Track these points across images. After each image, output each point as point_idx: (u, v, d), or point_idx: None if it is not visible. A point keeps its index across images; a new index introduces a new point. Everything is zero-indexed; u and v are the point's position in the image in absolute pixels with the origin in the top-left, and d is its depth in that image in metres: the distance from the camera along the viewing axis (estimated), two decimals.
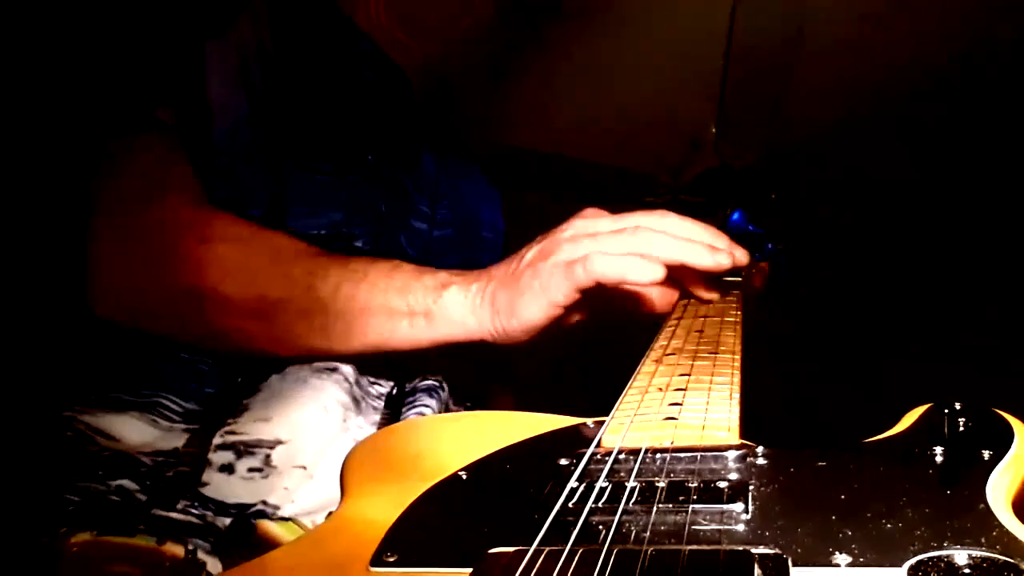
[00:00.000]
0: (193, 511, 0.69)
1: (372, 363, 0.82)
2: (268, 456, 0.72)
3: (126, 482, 0.70)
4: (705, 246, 0.71)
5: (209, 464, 0.71)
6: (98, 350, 0.78)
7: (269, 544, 0.69)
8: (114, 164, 0.79)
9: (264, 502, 0.71)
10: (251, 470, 0.72)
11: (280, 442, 0.73)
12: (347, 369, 0.79)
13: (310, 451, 0.73)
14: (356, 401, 0.79)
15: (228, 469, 0.72)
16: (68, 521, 0.66)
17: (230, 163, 0.82)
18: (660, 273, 0.67)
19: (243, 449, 0.72)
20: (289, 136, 0.86)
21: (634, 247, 0.68)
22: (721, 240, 0.74)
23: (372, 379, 0.84)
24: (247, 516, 0.70)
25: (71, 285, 0.75)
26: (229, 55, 0.84)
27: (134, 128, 0.80)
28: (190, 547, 0.67)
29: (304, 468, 0.73)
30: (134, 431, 0.73)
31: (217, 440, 0.72)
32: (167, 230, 0.75)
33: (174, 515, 0.69)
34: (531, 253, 0.72)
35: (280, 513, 0.71)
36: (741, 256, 0.74)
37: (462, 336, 0.73)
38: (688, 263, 0.71)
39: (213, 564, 0.67)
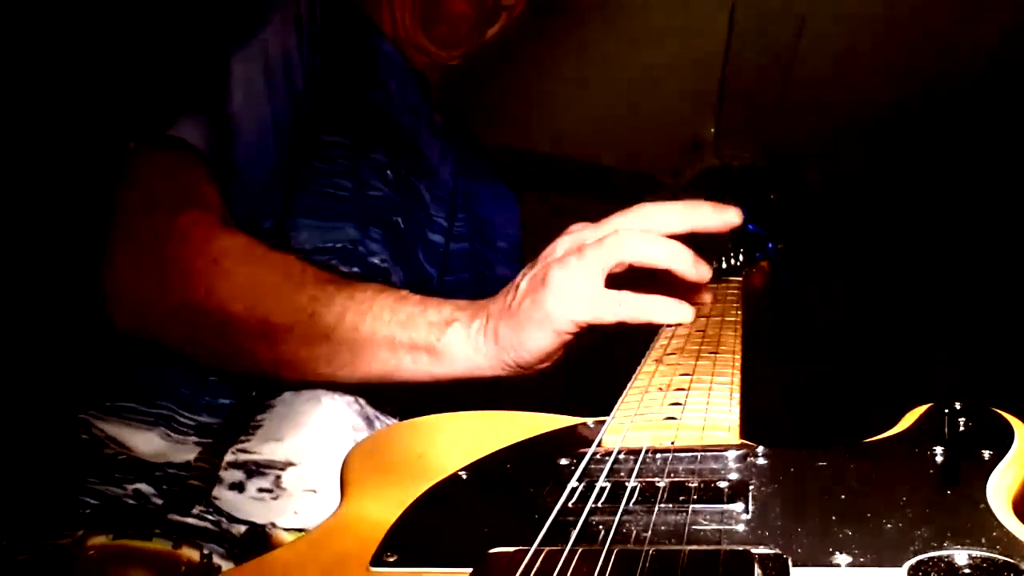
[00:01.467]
0: (208, 516, 0.70)
1: (387, 396, 0.82)
2: (279, 478, 0.73)
3: (143, 486, 0.71)
4: (688, 254, 0.68)
5: (220, 481, 0.71)
6: (111, 358, 0.78)
7: None
8: (136, 177, 0.79)
9: (273, 524, 0.71)
10: (261, 490, 0.72)
11: (291, 464, 0.73)
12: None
13: (322, 474, 0.73)
14: (370, 420, 0.79)
15: (238, 487, 0.72)
16: (85, 524, 0.67)
17: (248, 175, 0.82)
18: (690, 315, 0.69)
19: (254, 469, 0.73)
20: (307, 149, 0.86)
21: (623, 253, 0.66)
22: (711, 211, 0.69)
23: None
24: (261, 526, 0.70)
25: (88, 294, 0.75)
26: (253, 66, 0.83)
27: (158, 143, 0.79)
28: (205, 551, 0.67)
29: (315, 492, 0.73)
30: (145, 443, 0.73)
31: (229, 457, 0.73)
32: (181, 245, 0.74)
33: (190, 520, 0.69)
34: (524, 282, 0.70)
35: (293, 528, 0.71)
36: (705, 271, 0.70)
37: (467, 373, 0.72)
38: (672, 270, 0.68)
39: (228, 569, 0.67)
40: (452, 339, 0.71)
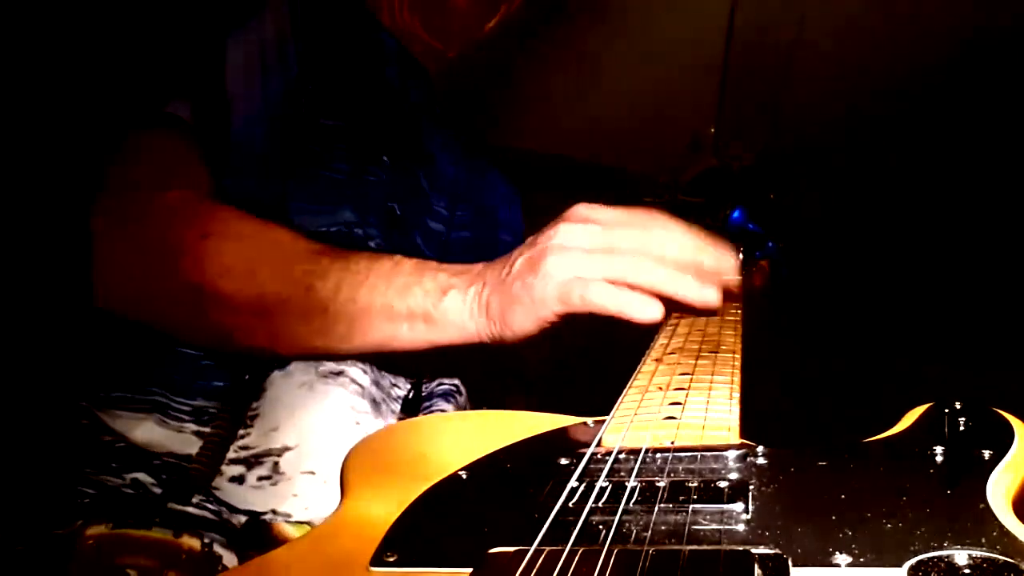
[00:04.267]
0: (208, 506, 0.70)
1: (392, 362, 0.82)
2: (276, 463, 0.73)
3: (141, 475, 0.70)
4: (694, 282, 0.67)
5: (220, 475, 0.71)
6: (103, 347, 0.77)
7: (284, 543, 0.69)
8: (124, 155, 0.78)
9: (274, 511, 0.71)
10: (260, 479, 0.72)
11: (287, 448, 0.73)
12: (355, 372, 0.78)
13: (319, 455, 0.73)
14: (376, 403, 0.79)
15: (238, 480, 0.72)
16: (83, 514, 0.66)
17: (242, 157, 0.81)
18: (660, 313, 0.64)
19: (253, 461, 0.73)
20: (304, 133, 0.85)
21: (629, 276, 0.65)
22: (713, 255, 0.68)
23: (393, 380, 0.83)
24: (262, 521, 0.70)
25: (78, 279, 0.75)
26: (249, 47, 0.83)
27: (147, 121, 0.79)
28: (206, 540, 0.67)
29: (313, 473, 0.72)
30: (143, 432, 0.73)
31: (231, 455, 0.72)
32: (170, 223, 0.74)
33: (189, 509, 0.69)
34: (520, 261, 0.69)
35: (293, 519, 0.71)
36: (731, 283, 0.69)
37: (460, 340, 0.71)
38: (678, 298, 0.66)
39: (229, 558, 0.67)
40: (448, 306, 0.70)
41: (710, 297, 0.66)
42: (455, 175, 1.03)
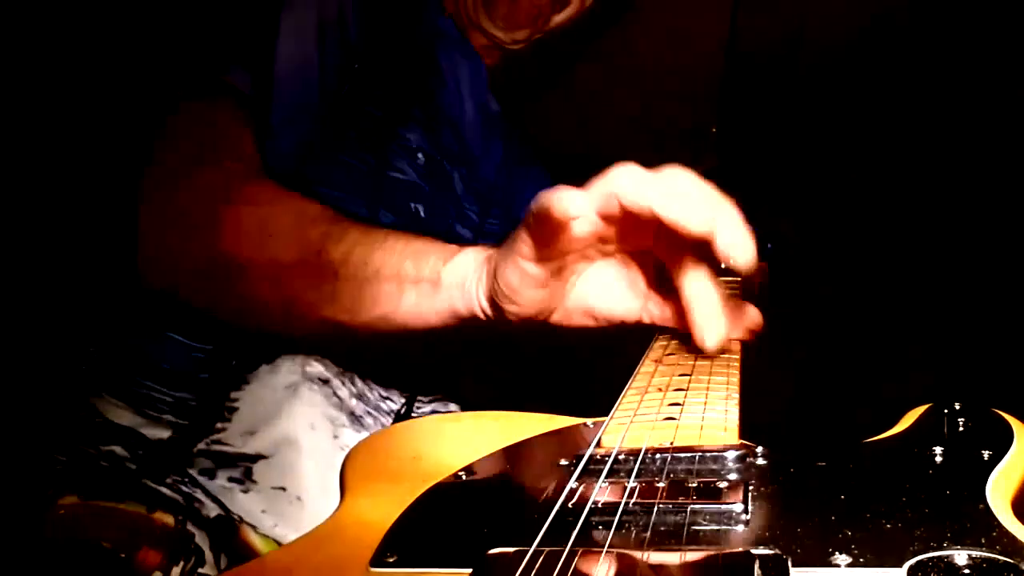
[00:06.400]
0: (182, 488, 0.69)
1: (381, 375, 0.81)
2: (249, 470, 0.71)
3: (117, 448, 0.69)
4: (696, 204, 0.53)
5: (192, 465, 0.71)
6: (96, 333, 0.77)
7: (248, 549, 0.69)
8: (174, 126, 0.75)
9: (241, 519, 0.70)
10: (232, 480, 0.71)
11: (262, 456, 0.72)
12: (337, 383, 0.77)
13: (292, 470, 0.72)
14: (356, 417, 0.78)
15: (209, 474, 0.71)
16: (55, 483, 0.65)
17: (293, 120, 0.79)
18: (583, 208, 0.53)
19: (224, 459, 0.71)
20: (343, 116, 0.82)
21: (617, 186, 0.54)
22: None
23: (383, 393, 0.82)
24: (231, 519, 0.70)
25: (120, 253, 0.73)
26: (305, 15, 0.80)
27: (201, 90, 0.76)
28: (180, 517, 0.66)
29: (284, 489, 0.71)
30: (119, 417, 0.72)
31: (201, 446, 0.71)
32: (205, 194, 0.71)
33: (163, 489, 0.68)
34: None
35: (260, 531, 0.70)
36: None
37: (464, 309, 0.63)
38: (669, 220, 0.53)
39: (201, 537, 0.66)
40: (457, 264, 0.63)
41: (708, 223, 0.52)
42: (495, 179, 0.98)
